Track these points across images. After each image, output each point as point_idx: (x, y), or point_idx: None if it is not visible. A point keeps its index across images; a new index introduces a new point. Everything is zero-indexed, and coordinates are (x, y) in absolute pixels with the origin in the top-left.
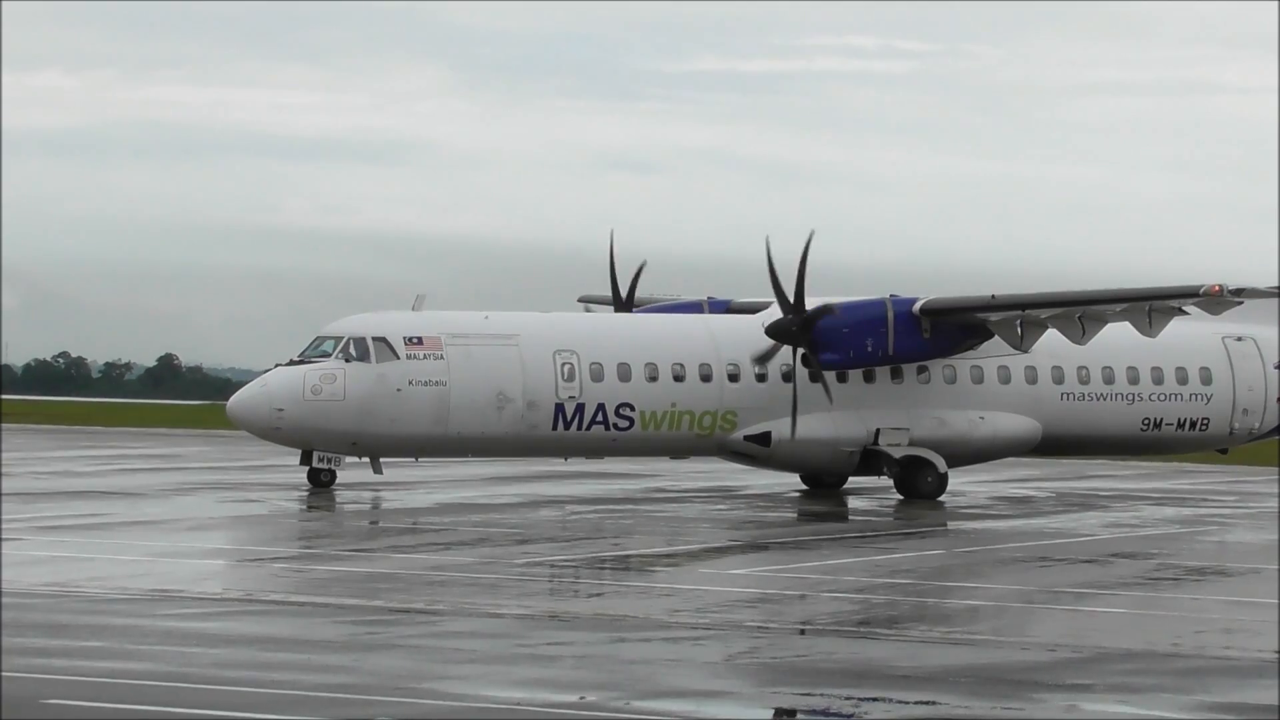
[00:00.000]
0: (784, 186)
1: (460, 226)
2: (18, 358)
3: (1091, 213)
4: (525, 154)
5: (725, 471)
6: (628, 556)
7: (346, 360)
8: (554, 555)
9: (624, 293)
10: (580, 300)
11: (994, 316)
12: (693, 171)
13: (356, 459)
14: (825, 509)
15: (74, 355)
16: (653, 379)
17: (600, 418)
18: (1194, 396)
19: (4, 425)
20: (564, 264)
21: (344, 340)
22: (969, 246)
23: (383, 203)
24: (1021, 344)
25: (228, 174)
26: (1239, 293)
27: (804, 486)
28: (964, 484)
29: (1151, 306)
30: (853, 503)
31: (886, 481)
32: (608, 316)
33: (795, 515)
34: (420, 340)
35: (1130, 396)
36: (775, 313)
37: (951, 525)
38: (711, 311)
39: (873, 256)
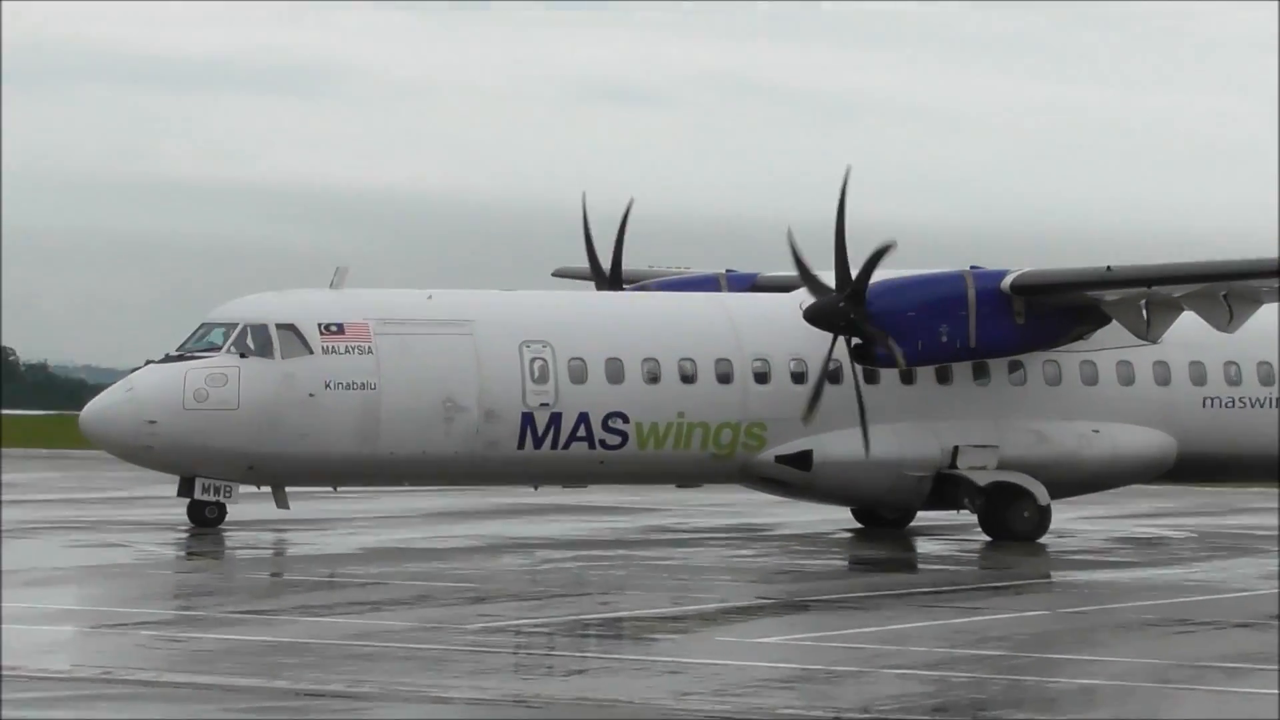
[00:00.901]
0: (824, 124)
1: (395, 178)
2: None
3: (1238, 159)
4: (482, 83)
5: (751, 504)
6: (619, 620)
7: (242, 355)
8: (520, 618)
9: (611, 265)
10: (556, 275)
11: (1111, 295)
12: (704, 105)
13: (254, 488)
14: (885, 555)
15: None
16: (653, 380)
17: (582, 432)
18: None
19: None
20: (534, 227)
21: (238, 328)
22: (1075, 202)
23: (292, 146)
24: (1149, 332)
25: (82, 108)
26: None
27: (857, 524)
28: (1072, 520)
29: None
30: (922, 546)
31: (968, 517)
32: (593, 296)
33: (845, 563)
34: (341, 328)
35: None
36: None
37: (1057, 577)
38: (731, 289)
39: (946, 215)
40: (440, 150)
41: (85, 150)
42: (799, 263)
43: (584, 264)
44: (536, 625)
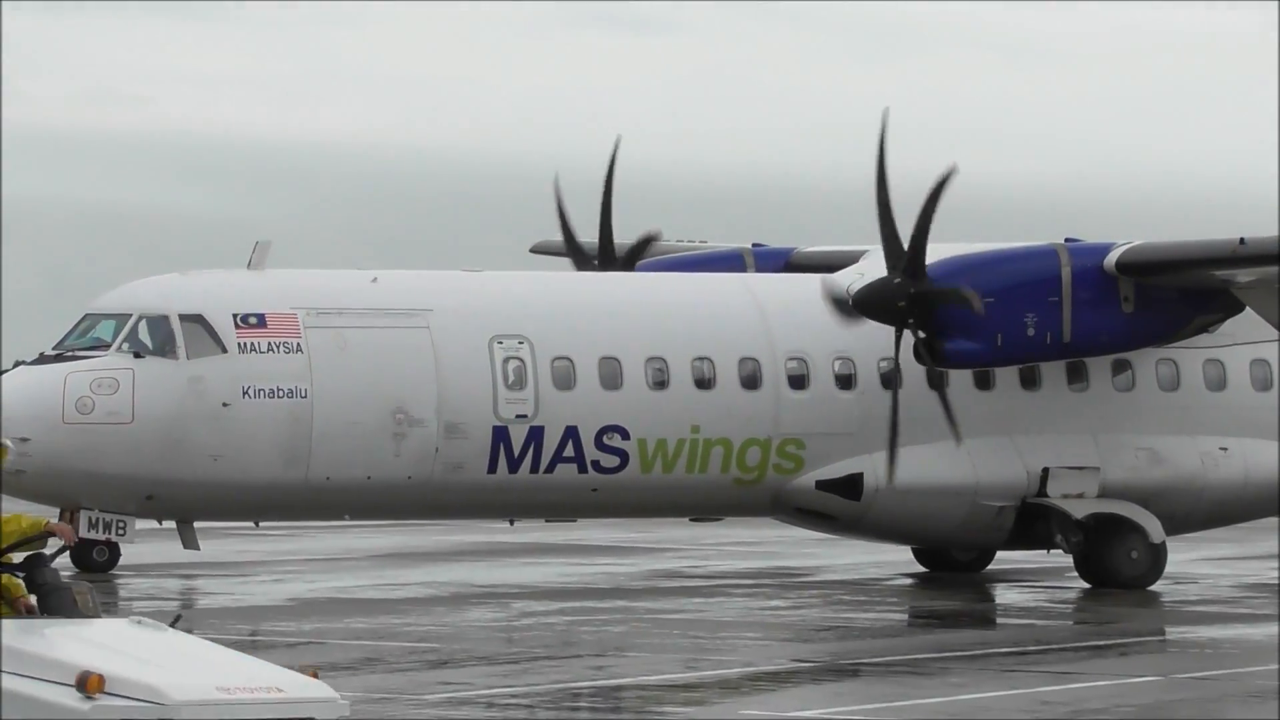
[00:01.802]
0: (875, 55)
1: (331, 126)
2: None
3: None
4: (435, 4)
5: (785, 543)
6: (618, 689)
7: (137, 355)
8: (492, 687)
9: (610, 241)
10: (536, 251)
11: (1244, 275)
12: (720, 30)
13: (155, 523)
14: (956, 606)
15: None
16: (659, 384)
17: (570, 452)
18: None
19: None
20: (506, 189)
21: (132, 321)
22: (1194, 157)
23: (197, 85)
24: None
25: None
26: None
27: (921, 567)
28: (1193, 562)
29: None
30: (1003, 595)
31: (1061, 558)
32: (582, 279)
33: (905, 617)
34: (262, 320)
35: None
36: (872, 269)
37: (1173, 633)
38: (760, 268)
39: (1032, 172)
40: (384, 91)
41: None
42: (885, 218)
43: (572, 235)
44: (513, 696)
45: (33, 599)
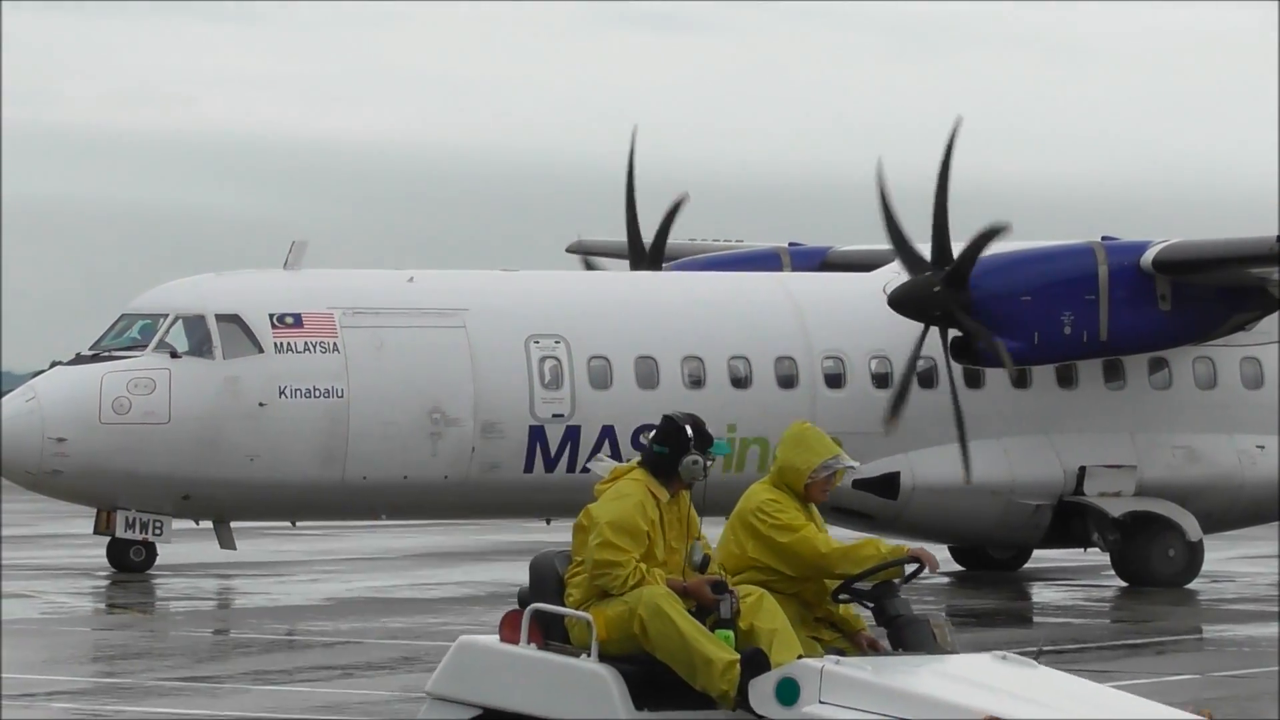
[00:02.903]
0: (913, 54)
1: (368, 127)
2: None
3: None
4: (477, 4)
5: None
6: None
7: (173, 355)
8: None
9: (649, 239)
10: (572, 250)
11: None
12: (764, 32)
13: (191, 523)
14: (993, 604)
15: None
16: (695, 383)
17: (607, 451)
18: None
19: None
20: (545, 189)
21: (169, 321)
22: (1232, 155)
23: (235, 85)
24: None
25: None
26: None
27: (957, 565)
28: (1231, 561)
29: None
30: (1039, 593)
31: (1097, 557)
32: (619, 278)
33: (942, 615)
34: (299, 320)
35: None
36: (901, 270)
37: (1210, 632)
38: (796, 267)
39: (1069, 170)
40: (421, 91)
41: None
42: (892, 225)
43: (607, 237)
44: None
45: (871, 631)
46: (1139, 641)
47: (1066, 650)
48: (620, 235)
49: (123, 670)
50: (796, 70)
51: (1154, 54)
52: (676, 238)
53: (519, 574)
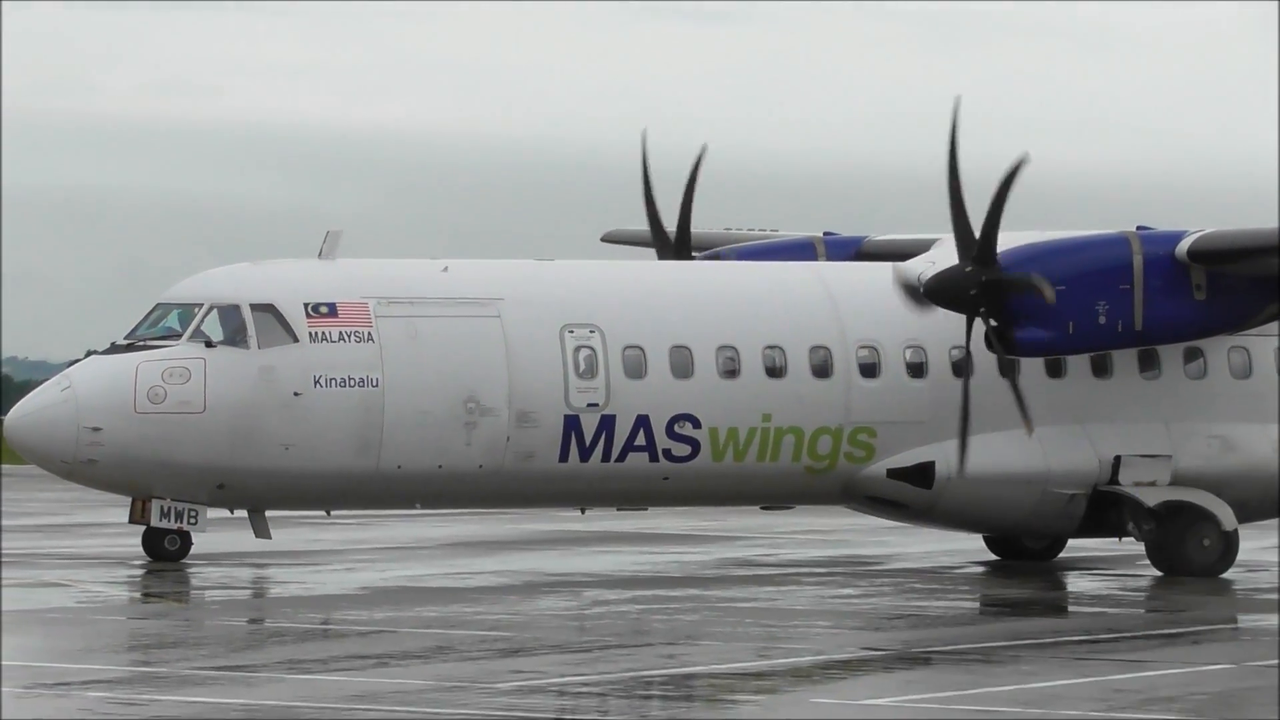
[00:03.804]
0: (947, 44)
1: (402, 116)
2: None
3: None
4: None
5: (857, 531)
6: (689, 677)
7: (208, 344)
8: (564, 675)
9: (688, 233)
10: (607, 240)
11: None
12: (800, 23)
13: (226, 513)
14: (1027, 594)
15: None
16: (730, 373)
17: (641, 441)
18: None
19: None
20: (578, 179)
21: (204, 310)
22: (1266, 145)
23: (269, 76)
24: None
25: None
26: None
27: (992, 555)
28: (1265, 550)
29: None
30: (1075, 582)
31: (1134, 547)
32: (653, 268)
33: (976, 605)
34: (333, 310)
35: None
36: (943, 258)
37: (1246, 622)
38: (831, 256)
39: (1103, 160)
40: (455, 80)
41: (10, 84)
42: (957, 207)
43: (642, 226)
44: (585, 684)
45: None
46: (1175, 632)
47: (1100, 641)
48: (644, 224)
49: (158, 659)
50: (834, 61)
51: (1191, 45)
52: (711, 227)
53: (555, 563)
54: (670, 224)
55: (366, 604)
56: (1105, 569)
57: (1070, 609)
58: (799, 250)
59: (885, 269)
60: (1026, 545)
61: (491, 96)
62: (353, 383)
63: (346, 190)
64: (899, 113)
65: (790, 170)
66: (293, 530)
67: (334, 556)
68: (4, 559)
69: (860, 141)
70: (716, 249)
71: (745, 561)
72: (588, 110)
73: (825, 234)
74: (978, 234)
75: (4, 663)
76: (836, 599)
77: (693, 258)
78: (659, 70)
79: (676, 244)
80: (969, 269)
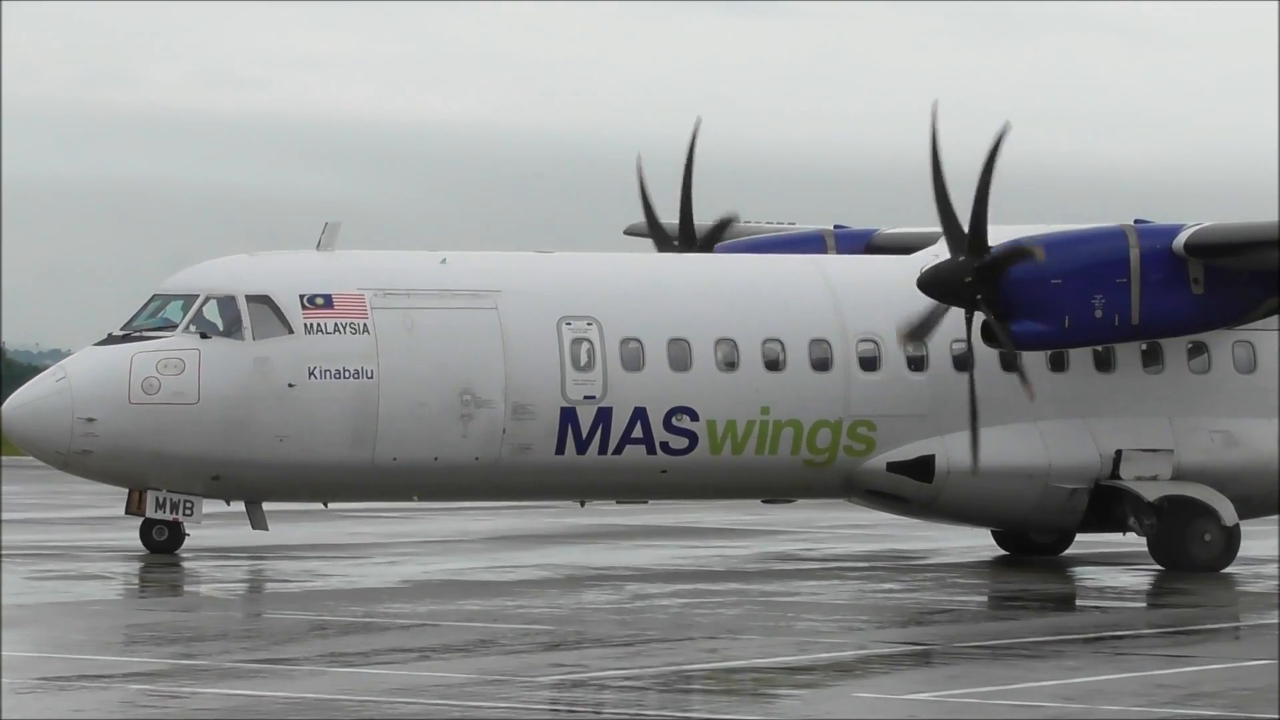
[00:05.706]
0: (957, 39)
1: (446, 109)
2: None
3: None
4: None
5: (900, 526)
6: (731, 671)
7: (203, 335)
8: (606, 669)
9: (690, 223)
10: (630, 233)
11: None
12: (815, 17)
13: (223, 504)
14: (1035, 589)
15: None
16: (729, 365)
17: (638, 433)
18: None
19: None
20: (608, 171)
21: (199, 301)
22: (1264, 139)
23: (312, 68)
24: None
25: (40, 24)
26: None
27: (1000, 549)
28: (1270, 546)
29: None
30: (1079, 577)
31: (1134, 541)
32: (651, 260)
33: (1018, 601)
34: (329, 300)
35: None
36: (939, 252)
37: (1246, 619)
38: (840, 249)
39: (1101, 154)
40: (495, 72)
41: (45, 77)
42: (942, 198)
43: (671, 219)
44: (627, 678)
45: None
46: (1176, 629)
47: (1144, 635)
48: (673, 217)
49: (199, 652)
50: (847, 54)
51: (1196, 38)
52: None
53: (597, 556)
54: (700, 219)
55: (409, 597)
56: (1111, 564)
57: (1111, 604)
58: (809, 243)
59: (887, 262)
60: (1033, 540)
61: (529, 89)
62: (348, 374)
63: (390, 182)
64: (913, 105)
65: (804, 163)
66: (336, 524)
67: (376, 549)
68: (43, 551)
69: (874, 134)
70: (727, 241)
71: (787, 555)
72: (612, 103)
73: (836, 227)
74: (966, 229)
75: (46, 655)
76: (879, 593)
77: (710, 250)
78: (680, 63)
79: (681, 235)
80: (961, 259)
